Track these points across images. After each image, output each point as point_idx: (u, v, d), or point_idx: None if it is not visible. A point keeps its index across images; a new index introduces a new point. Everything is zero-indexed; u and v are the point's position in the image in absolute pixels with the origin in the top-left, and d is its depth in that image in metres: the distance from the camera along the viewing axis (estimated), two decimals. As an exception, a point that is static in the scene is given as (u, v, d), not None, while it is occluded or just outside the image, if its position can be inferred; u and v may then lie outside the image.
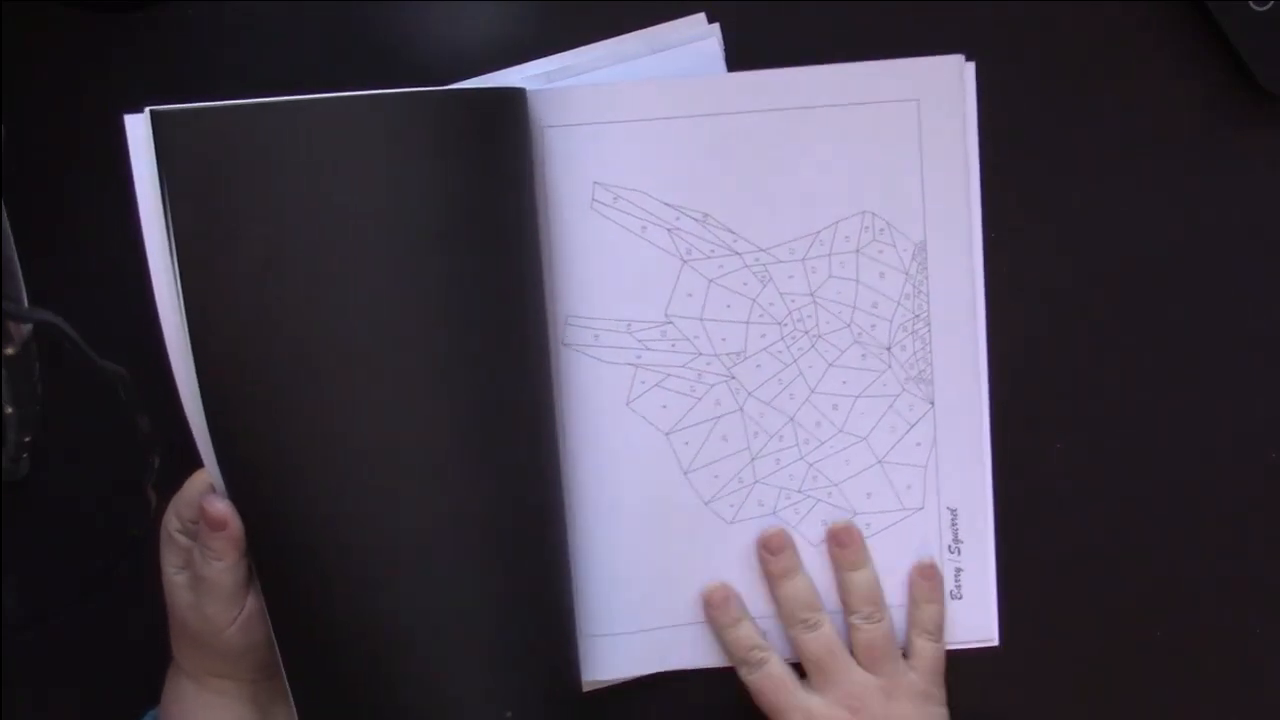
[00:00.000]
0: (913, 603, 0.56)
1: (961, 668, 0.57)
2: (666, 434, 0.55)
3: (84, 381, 0.48)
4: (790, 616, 0.55)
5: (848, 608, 0.55)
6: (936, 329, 0.55)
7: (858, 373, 0.55)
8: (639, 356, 0.55)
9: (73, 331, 0.45)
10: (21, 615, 0.55)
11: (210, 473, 0.49)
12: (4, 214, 0.52)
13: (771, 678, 0.54)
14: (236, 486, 0.49)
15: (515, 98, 0.50)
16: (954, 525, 0.56)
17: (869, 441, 0.56)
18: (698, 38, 0.54)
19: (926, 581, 0.55)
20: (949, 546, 0.56)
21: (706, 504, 0.55)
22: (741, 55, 0.54)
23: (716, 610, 0.55)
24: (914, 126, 0.54)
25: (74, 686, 0.57)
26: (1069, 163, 0.56)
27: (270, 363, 0.47)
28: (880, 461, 0.56)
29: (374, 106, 0.46)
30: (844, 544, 0.55)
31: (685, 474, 0.55)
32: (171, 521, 0.50)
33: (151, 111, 0.45)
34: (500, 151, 0.49)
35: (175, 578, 0.50)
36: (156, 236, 0.47)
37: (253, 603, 0.50)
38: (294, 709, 0.51)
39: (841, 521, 0.55)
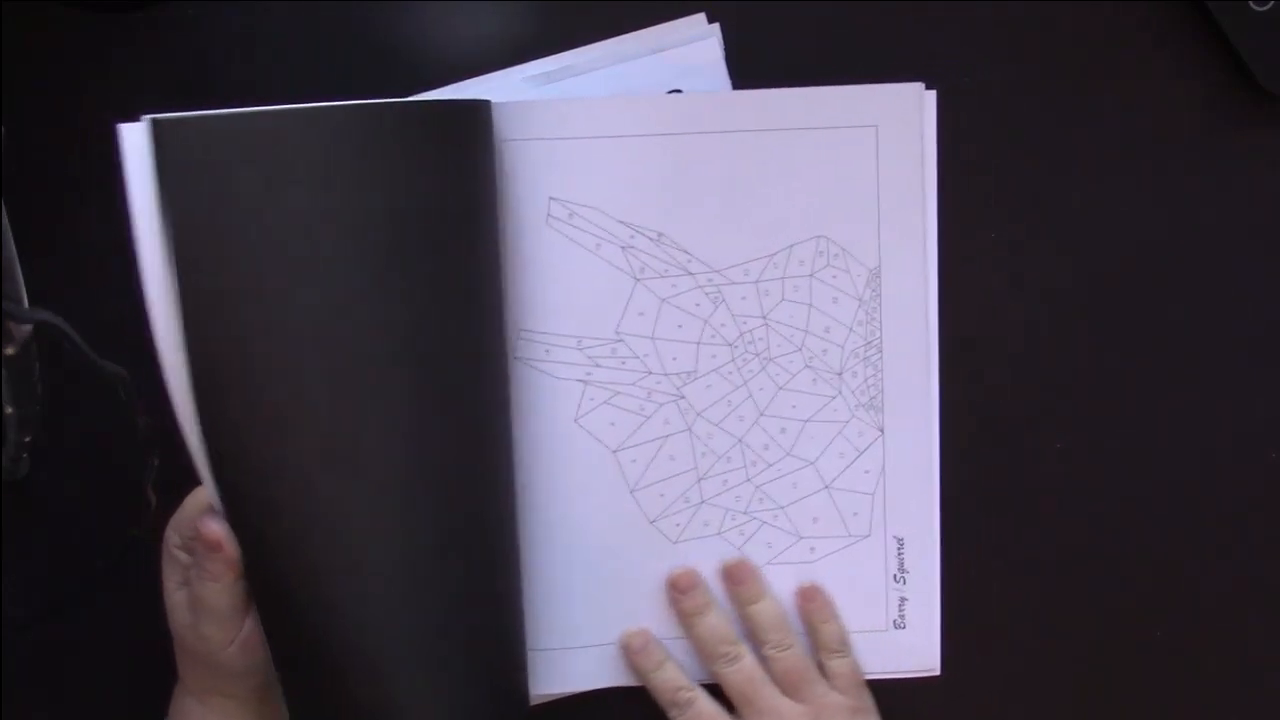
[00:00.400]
0: (810, 629, 0.55)
1: (969, 672, 0.57)
2: (614, 451, 0.55)
3: (84, 381, 0.47)
4: (710, 653, 0.55)
5: (757, 640, 0.55)
6: (889, 356, 0.55)
7: (808, 397, 0.55)
8: (589, 373, 0.55)
9: (73, 331, 0.45)
10: (21, 615, 0.55)
11: (208, 491, 0.48)
12: (4, 214, 0.52)
13: (701, 716, 0.54)
14: (232, 506, 0.48)
15: (483, 109, 0.50)
16: (900, 554, 0.56)
17: (817, 466, 0.56)
18: (698, 38, 0.54)
19: (813, 604, 0.55)
20: (894, 575, 0.56)
21: (652, 522, 0.55)
22: (741, 56, 0.54)
23: (638, 656, 0.55)
24: (872, 153, 0.54)
25: (74, 687, 0.57)
26: (1069, 163, 0.56)
27: (257, 378, 0.46)
28: (828, 487, 0.56)
29: (355, 116, 0.46)
30: (740, 580, 0.55)
31: (631, 492, 0.55)
32: (172, 538, 0.50)
33: (151, 120, 0.45)
34: (474, 163, 0.49)
35: (175, 595, 0.50)
36: (150, 245, 0.45)
37: (251, 624, 0.49)
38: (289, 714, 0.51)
39: (733, 559, 0.55)
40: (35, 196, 0.54)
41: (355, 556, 0.48)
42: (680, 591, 0.55)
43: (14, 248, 0.53)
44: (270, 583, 0.48)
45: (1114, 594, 0.57)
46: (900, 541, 0.56)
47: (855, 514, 0.56)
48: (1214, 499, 0.57)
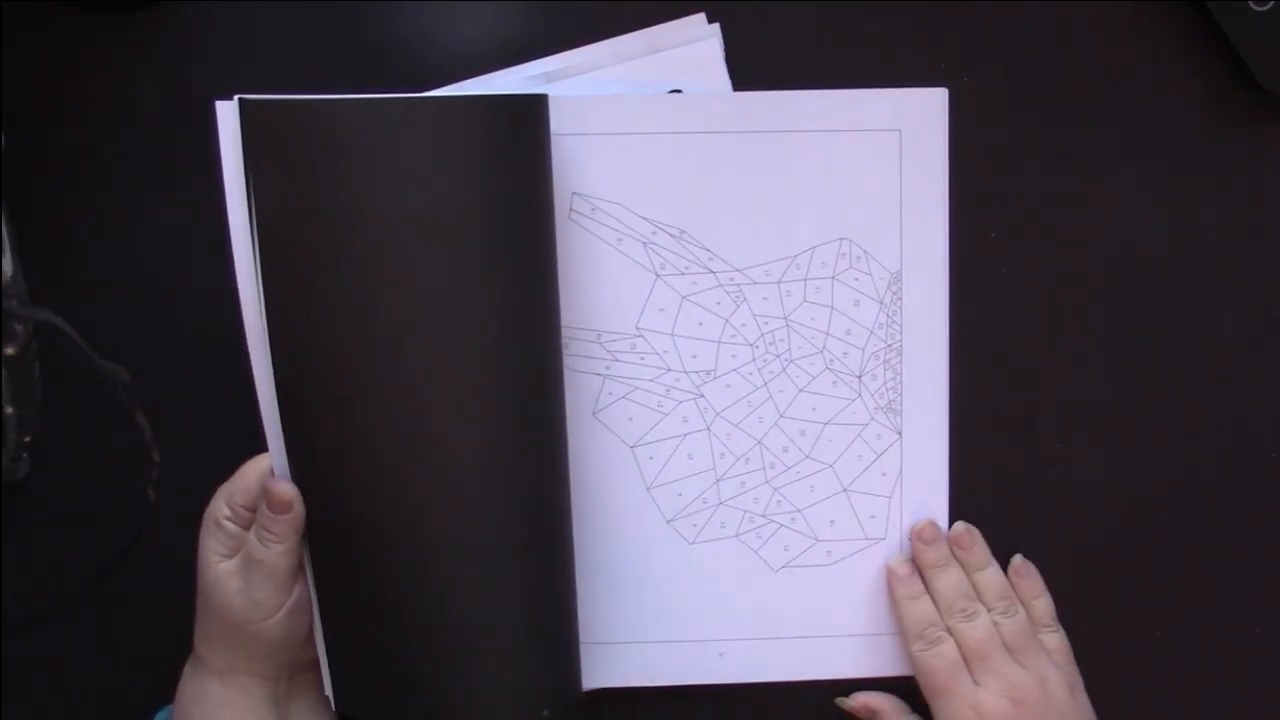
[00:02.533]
0: (1023, 604, 0.56)
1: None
2: (631, 447, 0.55)
3: (84, 381, 0.48)
4: (949, 607, 0.55)
5: (984, 604, 0.55)
6: (908, 360, 0.55)
7: (828, 399, 0.55)
8: (608, 368, 0.55)
9: (73, 331, 0.46)
10: (21, 615, 0.55)
11: (274, 458, 0.50)
12: (4, 214, 0.52)
13: (945, 658, 0.54)
14: (301, 470, 0.50)
15: (542, 103, 0.51)
16: None
17: (835, 469, 0.56)
18: (698, 38, 0.54)
19: (1025, 580, 0.56)
20: None
21: (669, 522, 0.55)
22: (741, 56, 0.54)
23: (901, 584, 0.55)
24: (895, 156, 0.54)
25: (74, 687, 0.57)
26: (1068, 163, 0.56)
27: (337, 353, 0.48)
28: (845, 490, 0.56)
29: (429, 107, 0.48)
30: (967, 546, 0.55)
31: (648, 489, 0.55)
32: (221, 510, 0.50)
33: (240, 100, 0.47)
34: (537, 154, 0.50)
35: (221, 566, 0.50)
36: (239, 219, 0.48)
37: (300, 589, 0.51)
38: (331, 691, 0.52)
39: (960, 524, 0.56)
40: (35, 196, 0.54)
41: (428, 536, 0.49)
42: (924, 543, 0.55)
43: (14, 248, 0.53)
44: (334, 550, 0.50)
45: (1114, 593, 0.57)
46: None
47: (872, 517, 0.56)
48: (1214, 499, 0.57)
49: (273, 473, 0.50)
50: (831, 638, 0.56)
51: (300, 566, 0.51)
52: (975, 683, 0.53)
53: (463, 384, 0.49)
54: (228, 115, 0.48)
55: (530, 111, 0.50)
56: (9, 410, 0.50)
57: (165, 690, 0.56)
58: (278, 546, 0.49)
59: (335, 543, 0.50)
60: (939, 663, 0.53)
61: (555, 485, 0.52)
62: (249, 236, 0.48)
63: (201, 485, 0.55)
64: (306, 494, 0.50)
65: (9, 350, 0.49)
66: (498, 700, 0.51)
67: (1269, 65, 0.54)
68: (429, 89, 0.54)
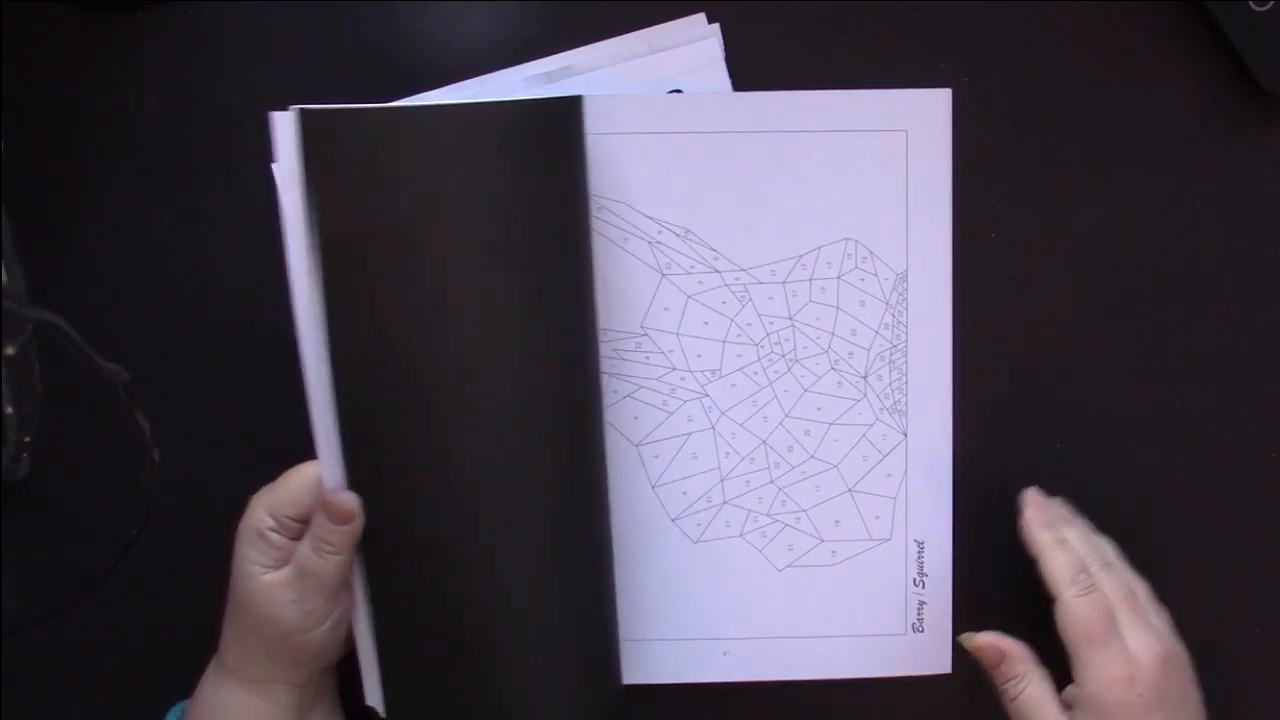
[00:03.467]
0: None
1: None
2: (636, 445, 0.55)
3: (84, 381, 0.47)
4: (1085, 558, 0.52)
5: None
6: (913, 360, 0.55)
7: (833, 400, 0.55)
8: (613, 366, 0.55)
9: (73, 331, 0.45)
10: (21, 615, 0.55)
11: (327, 468, 0.49)
12: (4, 214, 0.51)
13: (1100, 606, 0.50)
14: (358, 480, 0.49)
15: (578, 105, 0.51)
16: (920, 559, 0.56)
17: (840, 469, 0.56)
18: (698, 38, 0.54)
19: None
20: (914, 580, 0.56)
21: (673, 520, 0.55)
22: (741, 56, 0.54)
23: (1045, 529, 0.52)
24: (901, 156, 0.54)
25: (74, 687, 0.56)
26: (1068, 163, 0.56)
27: (404, 358, 0.48)
28: (850, 490, 0.56)
29: (482, 113, 0.48)
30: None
31: (653, 487, 0.55)
32: (263, 521, 0.49)
33: (300, 110, 0.47)
34: (579, 155, 0.51)
35: (267, 578, 0.49)
36: (296, 229, 0.48)
37: (346, 599, 0.50)
38: (381, 700, 0.52)
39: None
40: (35, 196, 0.54)
41: (484, 541, 0.49)
42: (1041, 503, 0.53)
43: (14, 247, 0.53)
44: (391, 559, 0.50)
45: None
46: (920, 545, 0.56)
47: (877, 517, 0.56)
48: (1215, 499, 0.57)
49: (321, 483, 0.49)
50: (836, 638, 0.56)
51: (348, 577, 0.50)
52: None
53: (524, 389, 0.49)
54: (286, 126, 0.47)
55: (574, 112, 0.50)
56: (9, 410, 0.50)
57: (165, 690, 0.56)
58: (335, 558, 0.48)
59: (391, 551, 0.50)
60: (1095, 611, 0.50)
61: (600, 486, 0.53)
62: (307, 246, 0.48)
63: (201, 485, 0.56)
64: (366, 502, 0.49)
65: (9, 350, 0.49)
66: (549, 702, 0.51)
67: (1269, 65, 0.54)
68: (429, 89, 0.54)
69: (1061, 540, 0.52)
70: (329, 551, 0.48)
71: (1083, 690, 0.50)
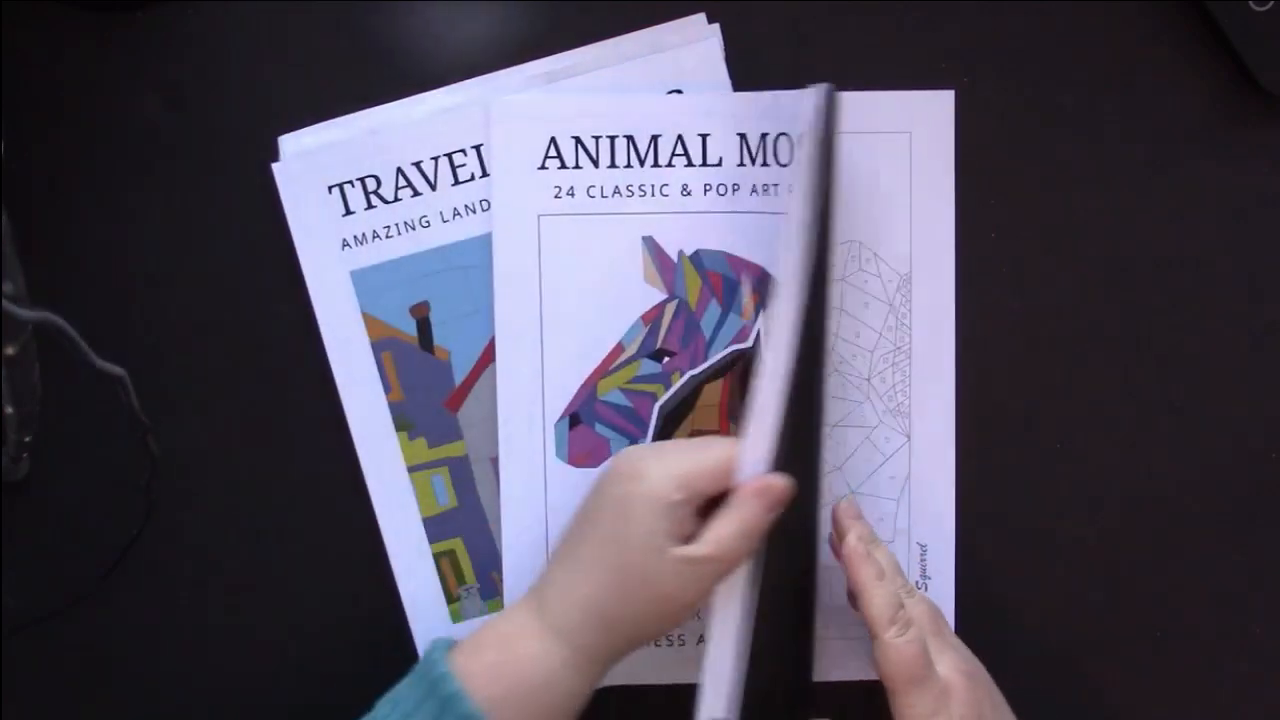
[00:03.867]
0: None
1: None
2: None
3: (84, 381, 0.47)
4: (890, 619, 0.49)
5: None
6: (917, 362, 0.55)
7: (837, 402, 0.55)
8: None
9: (73, 331, 0.45)
10: (21, 615, 0.55)
11: (756, 452, 0.47)
12: (4, 214, 0.51)
13: (919, 642, 0.47)
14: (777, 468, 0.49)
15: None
16: (923, 560, 0.56)
17: (844, 471, 0.56)
18: (698, 38, 0.54)
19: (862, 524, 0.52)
20: (917, 582, 0.56)
21: None
22: (741, 56, 0.54)
23: (865, 563, 0.49)
24: (905, 158, 0.54)
25: (74, 687, 0.56)
26: (1068, 163, 0.56)
27: (819, 349, 0.50)
28: (854, 492, 0.56)
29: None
30: (858, 517, 0.52)
31: None
32: (675, 493, 0.47)
33: (827, 88, 0.49)
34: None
35: (676, 552, 0.46)
36: (806, 199, 0.49)
37: None
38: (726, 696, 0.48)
39: (843, 501, 0.53)
40: (35, 196, 0.54)
41: (809, 524, 0.50)
42: (854, 519, 0.51)
43: (14, 248, 0.53)
44: (777, 549, 0.49)
45: (1114, 593, 0.57)
46: (924, 548, 0.56)
47: (880, 520, 0.56)
48: (1215, 499, 0.57)
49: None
50: (842, 640, 0.56)
51: None
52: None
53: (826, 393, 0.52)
54: (819, 98, 0.49)
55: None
56: (9, 410, 0.50)
57: (166, 689, 0.56)
58: (755, 544, 0.47)
59: (779, 544, 0.48)
60: (915, 648, 0.47)
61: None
62: (809, 219, 0.48)
63: (202, 485, 0.56)
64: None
65: (9, 350, 0.48)
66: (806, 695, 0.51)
67: (1269, 65, 0.54)
68: (429, 89, 0.54)
69: (880, 573, 0.49)
70: (755, 537, 0.47)
71: None
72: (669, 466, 0.47)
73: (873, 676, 0.49)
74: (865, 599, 0.48)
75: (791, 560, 0.49)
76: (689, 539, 0.47)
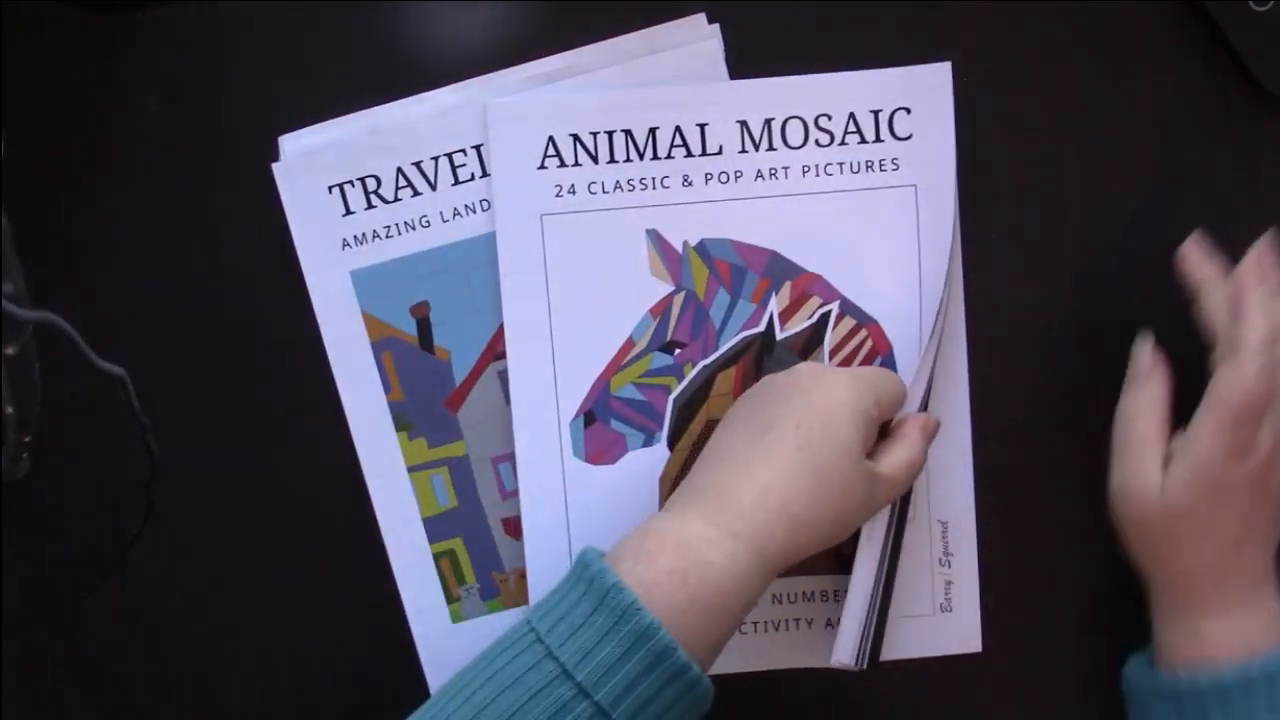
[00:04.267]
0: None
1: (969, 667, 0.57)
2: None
3: (84, 381, 0.47)
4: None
5: None
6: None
7: None
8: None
9: (73, 331, 0.45)
10: (21, 615, 0.55)
11: (917, 391, 0.52)
12: (4, 214, 0.52)
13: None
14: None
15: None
16: (944, 538, 0.56)
17: None
18: (698, 38, 0.54)
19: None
20: (939, 560, 0.56)
21: None
22: (741, 56, 0.54)
23: (1262, 278, 0.50)
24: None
25: (74, 687, 0.57)
26: (1068, 162, 0.56)
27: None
28: None
29: None
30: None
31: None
32: (872, 409, 0.48)
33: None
34: None
35: (866, 463, 0.48)
36: (951, 171, 0.54)
37: None
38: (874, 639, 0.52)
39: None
40: (35, 196, 0.54)
41: None
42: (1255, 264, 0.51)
43: (14, 247, 0.53)
44: None
45: (1113, 593, 0.57)
46: (944, 525, 0.56)
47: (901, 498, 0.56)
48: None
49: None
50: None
51: None
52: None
53: None
54: (943, 76, 0.53)
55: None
56: (9, 410, 0.50)
57: (166, 689, 0.56)
58: (914, 472, 0.50)
59: None
60: (1261, 390, 0.48)
61: None
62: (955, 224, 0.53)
63: (202, 485, 0.56)
64: None
65: (9, 350, 0.48)
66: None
67: (1269, 65, 0.54)
68: (429, 89, 0.54)
69: (1276, 293, 0.50)
70: (917, 470, 0.50)
71: (1192, 457, 0.50)
72: (865, 384, 0.49)
73: (910, 656, 0.49)
74: (1244, 315, 0.49)
75: (901, 512, 0.53)
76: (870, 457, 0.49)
